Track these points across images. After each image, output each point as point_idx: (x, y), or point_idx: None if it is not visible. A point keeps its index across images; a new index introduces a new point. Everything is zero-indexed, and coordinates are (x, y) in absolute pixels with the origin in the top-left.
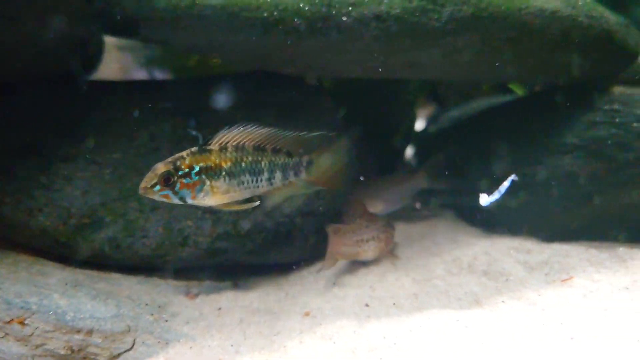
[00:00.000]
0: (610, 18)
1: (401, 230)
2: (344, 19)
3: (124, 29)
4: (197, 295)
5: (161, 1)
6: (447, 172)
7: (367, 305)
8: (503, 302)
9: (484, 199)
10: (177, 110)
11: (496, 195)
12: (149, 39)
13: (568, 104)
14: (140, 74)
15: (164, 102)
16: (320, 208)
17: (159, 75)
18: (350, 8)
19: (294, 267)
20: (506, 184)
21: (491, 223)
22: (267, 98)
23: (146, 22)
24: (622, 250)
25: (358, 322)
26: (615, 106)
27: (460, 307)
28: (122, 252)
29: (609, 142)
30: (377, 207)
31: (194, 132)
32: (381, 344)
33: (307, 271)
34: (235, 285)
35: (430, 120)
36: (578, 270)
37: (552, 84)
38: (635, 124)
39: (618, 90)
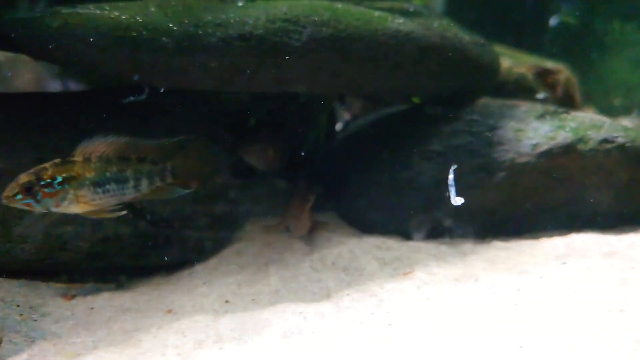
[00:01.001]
0: (465, 38)
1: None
2: (210, 39)
3: (7, 46)
4: (74, 296)
5: (35, 21)
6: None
7: (227, 301)
8: (348, 294)
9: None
10: (65, 121)
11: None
12: (33, 55)
13: (441, 115)
14: (55, 85)
15: (52, 113)
16: (199, 212)
17: (73, 86)
18: (216, 28)
19: (177, 268)
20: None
21: (366, 223)
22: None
23: (23, 40)
24: (468, 246)
25: (214, 317)
26: (475, 116)
27: (311, 301)
28: (1, 257)
29: (464, 149)
30: None
31: None
32: (228, 335)
33: (188, 272)
34: (119, 287)
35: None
36: (422, 265)
37: (433, 95)
38: (487, 133)
39: (482, 101)
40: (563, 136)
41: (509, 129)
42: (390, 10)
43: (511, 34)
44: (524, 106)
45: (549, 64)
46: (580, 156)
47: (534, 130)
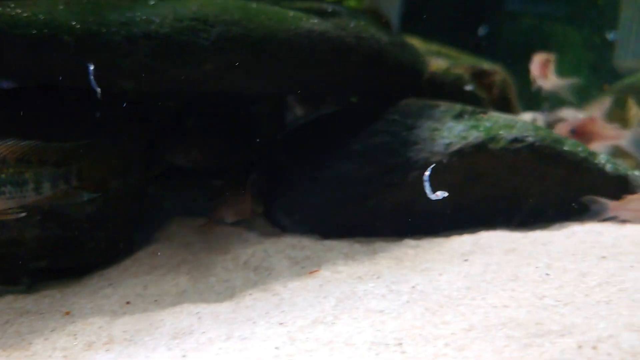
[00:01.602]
0: (383, 39)
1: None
2: (114, 37)
3: None
4: None
5: None
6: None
7: (128, 302)
8: (251, 294)
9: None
10: None
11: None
12: None
13: (366, 114)
14: None
15: None
16: (112, 213)
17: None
18: (120, 27)
19: (89, 270)
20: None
21: (287, 223)
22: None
23: None
24: (380, 244)
25: (111, 318)
26: (395, 116)
27: (214, 301)
28: None
29: (382, 148)
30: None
31: None
32: (120, 337)
33: (99, 274)
34: (26, 289)
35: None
36: (330, 263)
37: (366, 95)
38: (404, 133)
39: (404, 102)
40: (475, 135)
41: (425, 128)
42: (308, 10)
43: (466, 36)
44: (443, 106)
45: (486, 66)
46: (492, 155)
47: (448, 130)
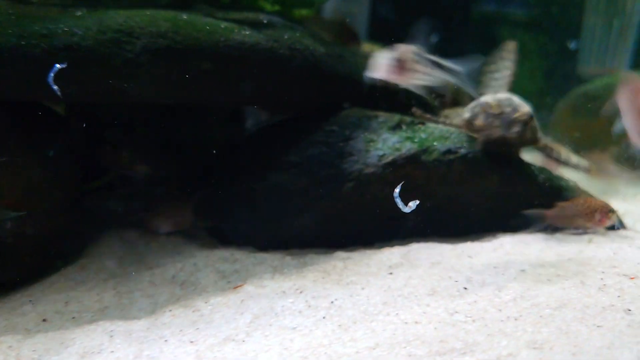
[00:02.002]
0: (318, 50)
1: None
2: (34, 50)
3: None
4: None
5: None
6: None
7: (45, 320)
8: (171, 310)
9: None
10: None
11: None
12: None
13: (308, 124)
14: None
15: None
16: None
17: None
18: (41, 39)
19: (16, 286)
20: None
21: (224, 235)
22: None
23: None
24: (311, 257)
25: (24, 336)
26: (334, 127)
27: (133, 318)
28: None
29: (319, 159)
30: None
31: None
32: (28, 356)
33: (24, 290)
34: None
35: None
36: (256, 278)
37: (306, 105)
38: (341, 144)
39: (345, 112)
40: (408, 147)
41: (361, 139)
42: (242, 21)
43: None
44: (382, 117)
45: None
46: (424, 166)
47: (383, 141)
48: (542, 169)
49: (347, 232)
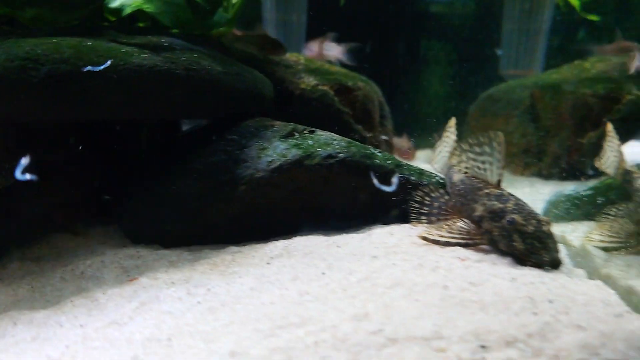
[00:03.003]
0: (216, 69)
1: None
2: None
3: None
4: None
5: None
6: None
7: None
8: (72, 300)
9: None
10: None
11: None
12: None
13: (214, 134)
14: None
15: None
16: None
17: None
18: None
19: None
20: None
21: (136, 235)
22: None
23: None
24: (207, 252)
25: None
26: (235, 136)
27: (40, 308)
28: None
29: (218, 166)
30: None
31: None
32: None
33: None
34: None
35: None
36: (152, 271)
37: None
38: (237, 151)
39: (247, 122)
40: (293, 153)
41: (255, 147)
42: (144, 45)
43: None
44: (277, 126)
45: (350, 82)
46: (308, 170)
47: (273, 149)
48: (415, 170)
49: (242, 230)
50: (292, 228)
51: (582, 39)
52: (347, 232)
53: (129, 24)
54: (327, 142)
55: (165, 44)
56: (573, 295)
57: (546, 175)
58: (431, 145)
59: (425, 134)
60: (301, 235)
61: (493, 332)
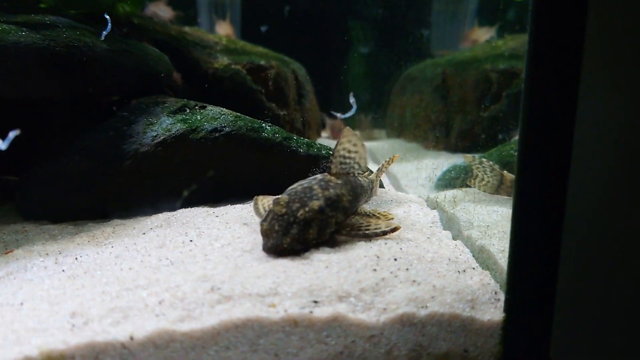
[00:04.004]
0: (98, 46)
1: None
2: None
3: None
4: None
5: None
6: None
7: None
8: None
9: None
10: None
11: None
12: None
13: (107, 112)
14: None
15: None
16: None
17: None
18: None
19: None
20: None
21: (28, 212)
22: None
23: None
24: (91, 225)
25: None
26: (125, 113)
27: None
28: None
29: (106, 142)
30: None
31: None
32: None
33: None
34: None
35: None
36: (31, 244)
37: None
38: (125, 127)
39: (141, 100)
40: (177, 128)
41: (142, 123)
42: (25, 24)
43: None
44: (169, 102)
45: (262, 61)
46: (192, 144)
47: (160, 124)
48: (305, 143)
49: (128, 204)
50: (179, 201)
51: (510, 19)
52: (230, 204)
53: (33, 5)
54: (214, 116)
55: (48, 22)
56: (423, 254)
57: (453, 149)
58: (359, 126)
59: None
60: (185, 208)
61: (327, 288)
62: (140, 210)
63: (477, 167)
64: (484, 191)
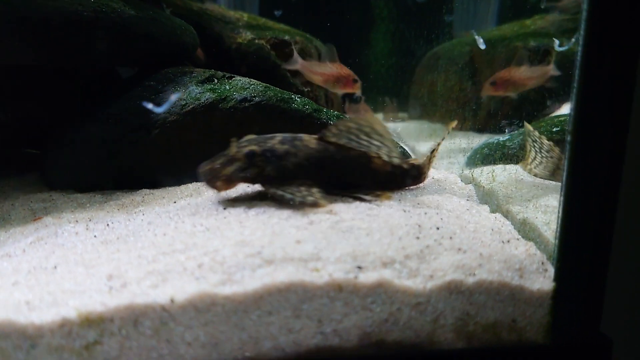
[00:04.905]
0: (128, 13)
1: None
2: None
3: None
4: None
5: None
6: None
7: None
8: None
9: None
10: None
11: None
12: None
13: (134, 81)
14: None
15: None
16: None
17: None
18: None
19: None
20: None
21: (54, 181)
22: None
23: None
24: (120, 195)
25: None
26: (152, 82)
27: None
28: None
29: (132, 111)
30: None
31: None
32: None
33: None
34: None
35: None
36: (59, 211)
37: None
38: (152, 96)
39: (167, 70)
40: (207, 97)
41: (170, 92)
42: None
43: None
44: (196, 72)
45: (287, 36)
46: (222, 113)
47: (188, 93)
48: (334, 115)
49: (156, 174)
50: None
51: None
52: None
53: None
54: (243, 86)
55: None
56: (464, 224)
57: (481, 129)
58: (382, 108)
59: (375, 95)
60: None
61: (371, 254)
62: (168, 181)
63: (533, 145)
64: (535, 175)
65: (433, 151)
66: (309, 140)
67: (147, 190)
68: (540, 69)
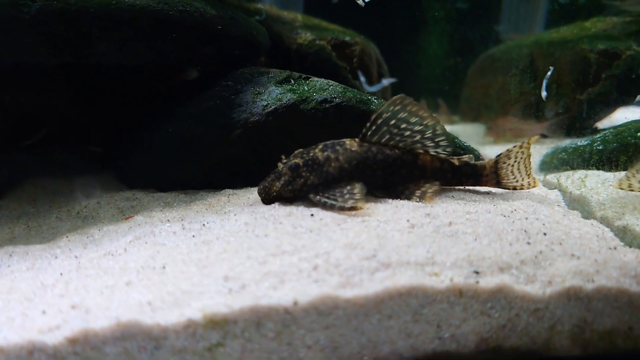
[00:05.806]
0: (210, 12)
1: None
2: None
3: None
4: None
5: None
6: None
7: None
8: (67, 237)
9: None
10: None
11: None
12: None
13: (210, 81)
14: None
15: None
16: None
17: None
18: None
19: None
20: None
21: (131, 179)
22: None
23: None
24: (203, 194)
25: None
26: (230, 82)
27: (36, 243)
28: None
29: (212, 110)
30: None
31: None
32: None
33: None
34: None
35: None
36: (148, 210)
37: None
38: (232, 96)
39: (242, 70)
40: (288, 97)
41: (250, 92)
42: None
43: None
44: (272, 73)
45: (347, 37)
46: (302, 114)
47: (268, 94)
48: None
49: (238, 174)
50: None
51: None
52: None
53: None
54: (322, 87)
55: None
56: (567, 230)
57: (544, 134)
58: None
59: (423, 96)
60: None
61: (486, 259)
62: (249, 181)
63: None
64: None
65: (500, 155)
66: (351, 143)
67: (230, 191)
68: None
